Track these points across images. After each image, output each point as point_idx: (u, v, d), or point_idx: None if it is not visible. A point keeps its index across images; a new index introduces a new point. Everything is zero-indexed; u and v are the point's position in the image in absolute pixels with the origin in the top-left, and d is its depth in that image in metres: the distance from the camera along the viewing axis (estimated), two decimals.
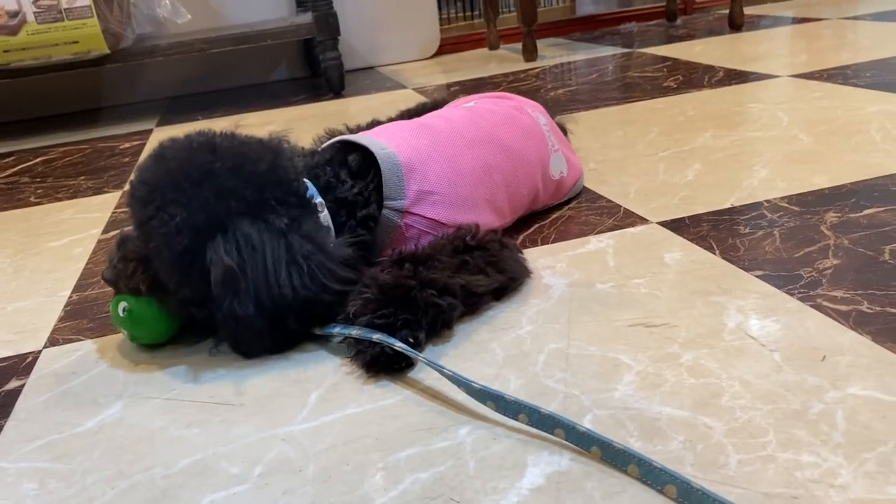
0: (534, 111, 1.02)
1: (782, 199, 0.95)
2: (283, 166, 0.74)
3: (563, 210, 1.01)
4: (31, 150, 1.87)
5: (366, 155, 0.82)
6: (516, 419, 0.56)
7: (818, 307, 0.68)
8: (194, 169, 0.70)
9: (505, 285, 0.77)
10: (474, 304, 0.74)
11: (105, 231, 1.16)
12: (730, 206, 0.95)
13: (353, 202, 0.79)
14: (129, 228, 0.75)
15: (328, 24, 2.02)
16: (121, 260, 0.75)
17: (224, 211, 0.69)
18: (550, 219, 0.99)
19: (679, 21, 2.71)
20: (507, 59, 2.36)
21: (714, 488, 0.48)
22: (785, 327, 0.66)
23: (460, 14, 3.11)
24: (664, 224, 0.92)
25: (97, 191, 1.41)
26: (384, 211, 0.80)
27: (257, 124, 1.84)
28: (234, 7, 2.34)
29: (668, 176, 1.10)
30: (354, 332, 0.67)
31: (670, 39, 2.35)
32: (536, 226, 0.97)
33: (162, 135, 1.84)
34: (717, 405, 0.57)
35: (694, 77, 1.76)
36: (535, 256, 0.86)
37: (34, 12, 1.75)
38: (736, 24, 2.33)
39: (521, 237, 0.93)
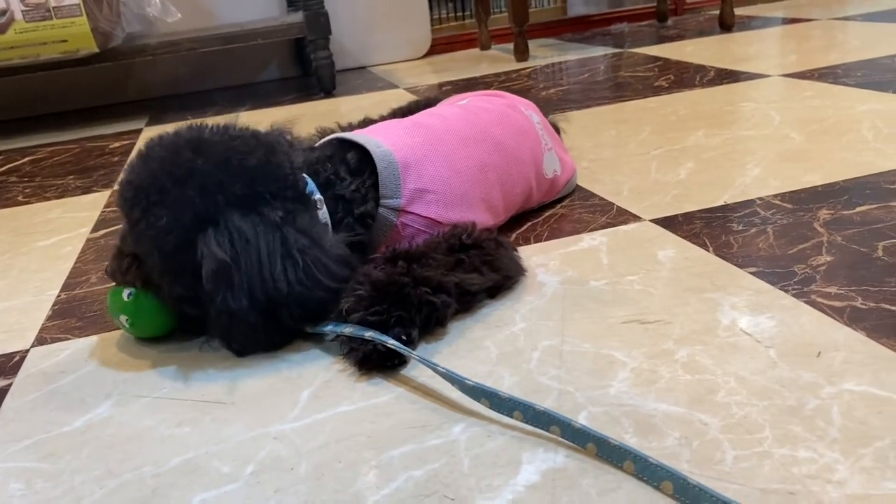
0: (527, 109, 1.01)
1: (775, 196, 0.95)
2: (277, 161, 0.73)
3: (555, 208, 1.01)
4: (19, 149, 1.85)
5: (363, 153, 0.81)
6: (511, 416, 0.56)
7: (812, 303, 0.68)
8: (178, 167, 0.69)
9: (499, 284, 0.77)
10: (468, 302, 0.73)
11: (94, 230, 1.15)
12: (723, 203, 0.95)
13: (351, 199, 0.79)
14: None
15: (319, 24, 2.01)
16: (118, 255, 0.75)
17: (212, 207, 0.68)
18: (543, 217, 0.98)
19: (670, 21, 2.71)
20: (499, 60, 2.35)
21: (710, 484, 0.47)
22: (780, 324, 0.66)
23: (451, 14, 3.10)
24: (657, 222, 0.92)
25: (86, 190, 1.40)
26: (380, 209, 0.79)
27: (248, 124, 1.83)
28: (224, 6, 2.33)
29: (661, 174, 1.10)
30: (347, 330, 0.66)
31: (661, 40, 2.35)
32: (529, 223, 0.96)
33: (151, 134, 1.83)
34: (713, 401, 0.56)
35: (685, 77, 1.76)
36: (528, 254, 0.85)
37: (22, 10, 1.73)
38: (726, 24, 2.33)
39: (514, 235, 0.93)
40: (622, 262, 0.82)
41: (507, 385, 0.61)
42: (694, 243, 0.84)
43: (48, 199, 1.37)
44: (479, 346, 0.68)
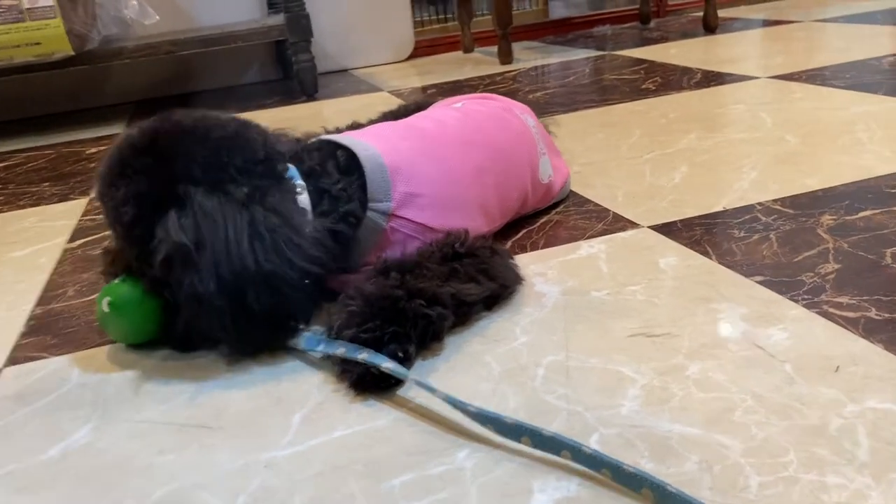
0: (522, 113, 0.99)
1: (775, 201, 0.93)
2: (248, 135, 0.71)
3: (551, 214, 0.98)
4: None
5: (351, 155, 0.78)
6: (519, 442, 0.53)
7: (825, 314, 0.66)
8: (141, 139, 0.69)
9: (497, 293, 0.74)
10: (465, 313, 0.70)
11: (71, 240, 1.11)
12: (721, 209, 0.93)
13: (337, 196, 0.75)
14: None
15: (301, 26, 1.98)
16: (105, 252, 0.75)
17: (172, 175, 0.66)
18: (539, 223, 0.95)
19: (652, 23, 2.70)
20: (483, 62, 2.33)
21: None
22: (793, 336, 0.63)
23: (433, 17, 3.08)
24: (655, 228, 0.89)
25: (62, 198, 1.35)
26: (368, 213, 0.76)
27: None
28: (203, 8, 2.28)
29: (655, 178, 1.07)
30: (339, 350, 0.62)
31: (645, 42, 2.34)
32: (525, 230, 0.93)
33: None
34: (731, 421, 0.53)
35: (672, 79, 1.74)
36: (525, 263, 0.82)
37: None
38: (710, 26, 2.32)
39: (509, 242, 0.90)
40: (623, 271, 0.79)
41: (511, 405, 0.58)
42: (695, 251, 0.82)
43: (22, 207, 1.32)
44: (479, 361, 0.65)
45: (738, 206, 0.93)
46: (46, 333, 0.81)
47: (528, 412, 0.57)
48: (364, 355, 0.60)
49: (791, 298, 0.69)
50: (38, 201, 1.34)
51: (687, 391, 0.57)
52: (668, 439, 0.52)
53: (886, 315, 0.65)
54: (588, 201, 1.01)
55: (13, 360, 0.76)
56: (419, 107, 1.08)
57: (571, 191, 1.05)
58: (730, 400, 0.56)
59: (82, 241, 1.10)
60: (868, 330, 0.63)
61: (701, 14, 2.65)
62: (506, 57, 2.20)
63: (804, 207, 0.90)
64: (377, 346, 0.62)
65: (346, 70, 2.47)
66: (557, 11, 3.52)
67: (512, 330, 0.69)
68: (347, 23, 2.43)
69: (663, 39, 2.35)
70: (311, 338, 0.67)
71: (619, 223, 0.92)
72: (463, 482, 0.50)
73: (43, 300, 0.90)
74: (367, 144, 0.79)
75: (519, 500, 0.48)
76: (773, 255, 0.78)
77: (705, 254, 0.81)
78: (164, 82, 2.34)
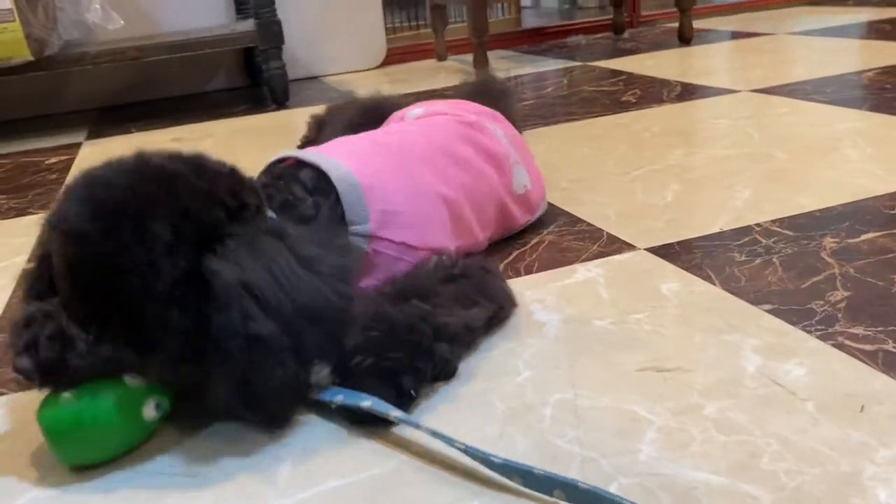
0: (493, 122, 0.95)
1: (773, 222, 0.90)
2: (241, 174, 0.63)
3: (542, 234, 0.94)
4: None
5: (320, 174, 0.73)
6: (552, 496, 0.48)
7: (841, 346, 0.63)
8: (157, 174, 0.57)
9: (496, 314, 0.71)
10: (472, 341, 0.67)
11: (31, 259, 1.03)
12: (719, 230, 0.90)
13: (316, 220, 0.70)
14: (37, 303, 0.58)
15: (272, 33, 1.92)
16: (55, 334, 0.55)
17: (210, 218, 0.57)
18: (530, 244, 0.91)
19: (626, 34, 2.69)
20: (457, 71, 2.29)
21: None
22: (811, 371, 0.60)
23: (405, 24, 3.04)
24: (653, 251, 0.86)
25: (21, 212, 1.28)
26: (349, 238, 0.71)
27: (196, 137, 1.73)
28: (168, 13, 2.21)
29: (647, 197, 1.04)
30: (339, 398, 0.58)
31: (620, 53, 2.32)
32: (517, 252, 0.89)
33: (92, 148, 1.70)
34: (758, 468, 0.50)
35: (652, 91, 1.72)
36: (521, 288, 0.78)
37: None
38: (685, 37, 2.32)
39: (502, 265, 0.86)
40: (624, 298, 0.75)
41: (521, 450, 0.54)
42: (697, 276, 0.79)
43: None
44: (483, 400, 0.61)
45: (735, 227, 0.90)
46: (6, 366, 0.74)
47: (539, 458, 0.53)
48: (368, 402, 0.56)
49: (804, 329, 0.66)
50: None
51: (707, 434, 0.54)
52: (693, 489, 0.49)
53: None
54: (579, 220, 0.98)
55: None
56: (377, 105, 1.05)
57: (561, 209, 1.02)
58: (754, 444, 0.52)
59: None
60: (888, 364, 0.60)
61: (673, 25, 2.66)
62: (481, 66, 2.17)
63: (804, 229, 0.87)
64: (394, 373, 0.58)
65: (316, 77, 2.42)
66: (529, 21, 3.51)
67: (514, 363, 0.65)
68: (318, 28, 2.37)
69: (638, 50, 2.34)
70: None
71: (614, 244, 0.89)
72: None
73: (4, 327, 0.83)
74: (338, 163, 0.74)
75: None
76: (779, 282, 0.75)
77: (708, 279, 0.77)
78: (127, 89, 2.26)
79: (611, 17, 2.76)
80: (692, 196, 1.03)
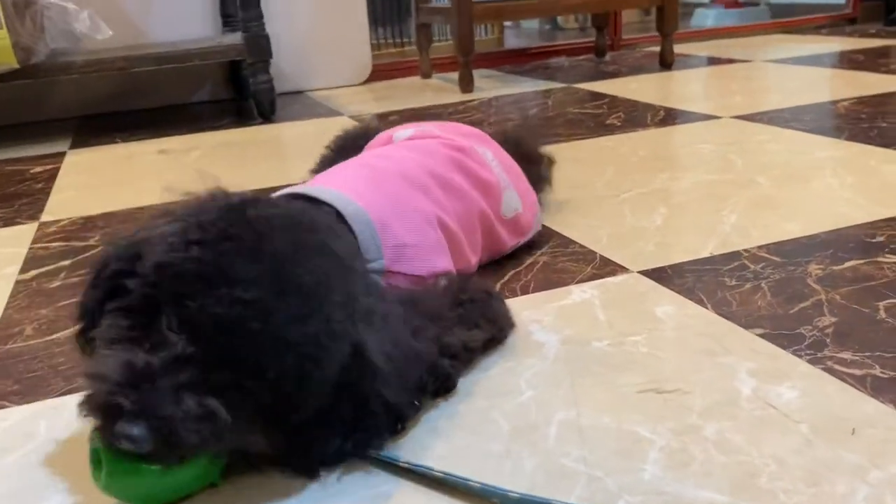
0: (482, 145, 0.96)
1: (760, 248, 0.93)
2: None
3: (535, 255, 0.96)
4: None
5: (336, 213, 0.73)
6: None
7: (830, 371, 0.65)
8: (312, 245, 0.55)
9: (494, 337, 0.73)
10: (471, 360, 0.69)
11: (23, 270, 1.03)
12: (709, 254, 0.92)
13: None
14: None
15: (259, 46, 1.93)
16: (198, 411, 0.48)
17: (355, 290, 0.56)
18: (525, 265, 0.93)
19: (608, 57, 2.74)
20: (443, 90, 2.31)
21: None
22: (803, 395, 0.62)
23: (391, 40, 3.06)
24: (645, 273, 0.88)
25: (8, 222, 1.27)
26: None
27: (183, 149, 1.73)
28: (155, 25, 2.21)
29: (636, 220, 1.07)
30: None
31: (602, 76, 2.37)
32: (512, 272, 0.91)
33: (76, 158, 1.70)
34: (757, 488, 0.52)
35: (636, 115, 1.76)
36: (518, 308, 0.80)
37: None
38: (667, 62, 2.37)
39: (498, 285, 0.88)
40: (621, 320, 0.77)
41: (528, 469, 0.56)
42: (690, 299, 0.81)
43: None
44: (486, 418, 0.62)
45: (724, 251, 0.93)
46: (6, 378, 0.74)
47: (546, 476, 0.55)
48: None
49: (794, 353, 0.69)
50: None
51: (707, 454, 0.56)
52: None
53: (891, 373, 0.64)
54: (572, 242, 1.00)
55: None
56: (366, 132, 1.07)
57: (554, 230, 1.04)
58: (752, 464, 0.54)
59: (37, 271, 1.03)
60: (876, 389, 0.62)
61: (653, 48, 2.71)
62: (467, 85, 2.19)
63: (790, 255, 0.90)
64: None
65: (301, 91, 2.43)
66: (511, 40, 3.56)
67: (516, 383, 0.67)
68: (304, 43, 2.39)
69: (620, 74, 2.38)
70: None
71: (607, 267, 0.91)
72: None
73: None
74: (349, 200, 0.74)
75: None
76: (769, 307, 0.78)
77: (700, 303, 0.80)
78: (111, 98, 2.25)
79: (591, 39, 2.81)
80: (680, 220, 1.05)
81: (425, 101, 2.14)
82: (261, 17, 1.91)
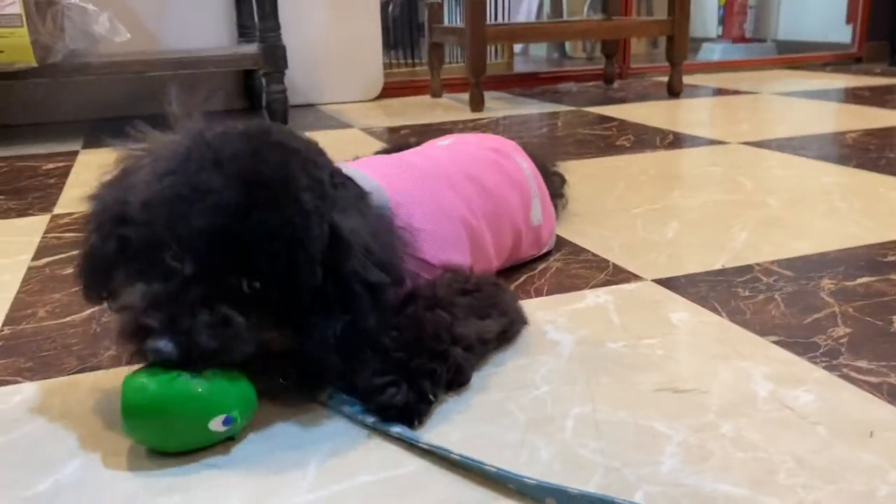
0: (515, 153, 0.98)
1: (772, 262, 0.93)
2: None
3: (549, 262, 0.96)
4: None
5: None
6: None
7: (846, 377, 0.66)
8: (283, 149, 0.60)
9: (507, 328, 0.73)
10: (485, 351, 0.69)
11: (36, 258, 1.04)
12: (721, 266, 0.93)
13: None
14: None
15: (275, 56, 1.95)
16: (215, 321, 0.54)
17: (327, 185, 0.61)
18: (538, 269, 0.94)
19: (616, 84, 2.77)
20: (453, 108, 2.33)
21: None
22: (819, 398, 0.62)
23: (402, 60, 3.09)
24: (659, 282, 0.89)
25: (21, 213, 1.27)
26: None
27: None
28: (171, 32, 2.23)
29: (647, 233, 1.07)
30: (346, 409, 0.60)
31: (611, 101, 2.39)
32: (526, 276, 0.92)
33: (88, 157, 1.70)
34: (776, 483, 0.52)
35: (645, 138, 1.77)
36: (532, 308, 0.80)
37: None
38: (675, 90, 2.39)
39: (512, 286, 0.88)
40: (635, 324, 0.78)
41: (544, 457, 0.55)
42: (704, 307, 0.81)
43: None
44: (502, 410, 0.62)
45: (736, 265, 0.93)
46: (19, 356, 0.74)
47: (563, 465, 0.54)
48: (372, 420, 0.59)
49: (810, 360, 0.69)
50: None
51: (725, 450, 0.56)
52: (715, 500, 0.50)
53: None
54: (584, 250, 1.00)
55: None
56: (402, 148, 1.07)
57: (566, 239, 1.04)
58: (770, 461, 0.54)
59: (49, 259, 1.03)
60: (893, 395, 0.62)
61: (660, 78, 2.74)
62: (477, 105, 2.21)
63: (802, 270, 0.91)
64: (413, 375, 0.60)
65: (313, 105, 2.45)
66: (519, 67, 3.59)
67: (532, 378, 0.67)
68: (318, 57, 2.41)
69: (629, 100, 2.40)
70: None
71: (621, 274, 0.91)
72: None
73: (11, 320, 0.83)
74: (370, 178, 0.76)
75: None
76: (783, 316, 0.78)
77: (715, 311, 0.80)
78: (125, 103, 2.26)
79: (600, 66, 2.84)
80: (692, 235, 1.06)
81: (436, 117, 2.15)
82: (278, 27, 1.93)
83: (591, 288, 0.87)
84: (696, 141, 1.73)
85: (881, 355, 0.69)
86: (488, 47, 3.05)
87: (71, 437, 0.60)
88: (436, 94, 2.57)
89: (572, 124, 2.00)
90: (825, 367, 0.67)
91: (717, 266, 0.93)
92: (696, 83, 2.71)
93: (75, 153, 1.76)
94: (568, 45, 3.80)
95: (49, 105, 2.20)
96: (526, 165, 0.98)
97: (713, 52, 3.61)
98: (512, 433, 0.59)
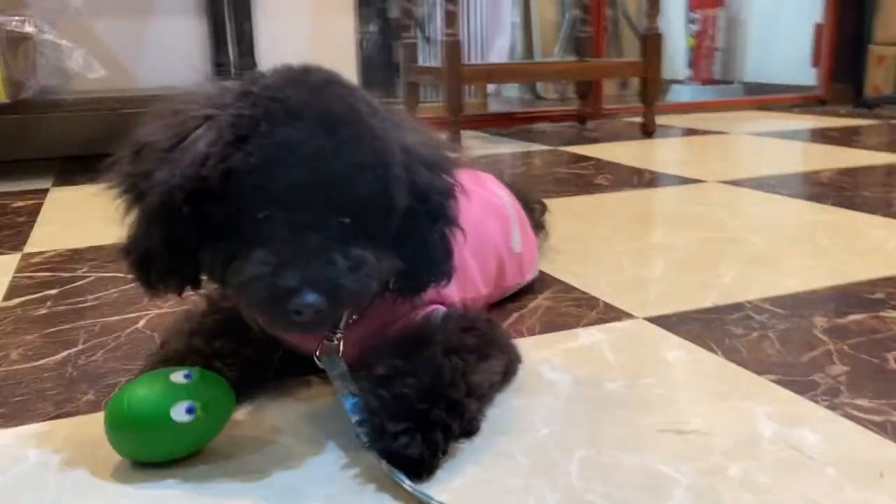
0: (491, 183, 0.97)
1: (763, 300, 0.93)
2: None
3: (538, 300, 0.95)
4: None
5: None
6: None
7: (849, 416, 0.65)
8: (350, 92, 0.61)
9: (507, 367, 0.71)
10: (493, 397, 0.67)
11: (7, 298, 1.00)
12: (712, 304, 0.92)
13: None
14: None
15: None
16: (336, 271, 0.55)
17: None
18: (528, 307, 0.92)
19: (590, 124, 2.79)
20: None
21: None
22: (826, 439, 0.61)
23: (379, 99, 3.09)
24: (651, 320, 0.88)
25: None
26: None
27: None
28: (146, 69, 2.21)
29: (635, 271, 1.07)
30: (363, 436, 0.58)
31: (586, 140, 2.41)
32: (516, 314, 0.90)
33: (59, 195, 1.66)
34: None
35: (623, 177, 1.78)
36: (526, 348, 0.78)
37: None
38: (649, 130, 2.42)
39: (503, 324, 0.86)
40: (631, 363, 0.76)
41: (550, 503, 0.53)
42: (699, 345, 0.80)
43: None
44: (504, 453, 0.60)
45: (727, 302, 0.93)
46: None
47: None
48: (385, 466, 0.55)
49: (811, 399, 0.68)
50: None
51: (735, 493, 0.54)
52: None
53: None
54: (574, 288, 0.99)
55: None
56: None
57: (554, 277, 1.03)
58: None
59: (21, 299, 0.99)
60: None
61: (632, 119, 2.78)
62: (455, 143, 2.22)
63: (793, 308, 0.90)
64: (428, 427, 0.57)
65: None
66: (493, 107, 3.62)
67: (532, 420, 0.65)
68: None
69: (603, 139, 2.43)
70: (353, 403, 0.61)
71: (612, 313, 0.90)
72: None
73: None
74: None
75: None
76: (778, 354, 0.77)
77: (710, 349, 0.79)
78: (97, 140, 2.22)
79: (571, 107, 2.87)
80: (679, 273, 1.05)
81: None
82: (255, 64, 1.92)
83: (583, 326, 0.86)
84: (672, 179, 1.74)
85: (881, 393, 0.69)
86: (464, 87, 3.08)
87: (49, 490, 0.56)
88: None
89: (549, 163, 2.01)
90: (827, 406, 0.66)
91: (708, 304, 0.92)
92: (667, 123, 2.74)
93: (45, 191, 1.72)
94: (540, 85, 3.84)
95: (20, 142, 2.15)
96: (503, 194, 0.97)
97: (683, 93, 3.68)
98: (515, 478, 0.57)
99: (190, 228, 0.56)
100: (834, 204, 1.43)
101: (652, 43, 2.37)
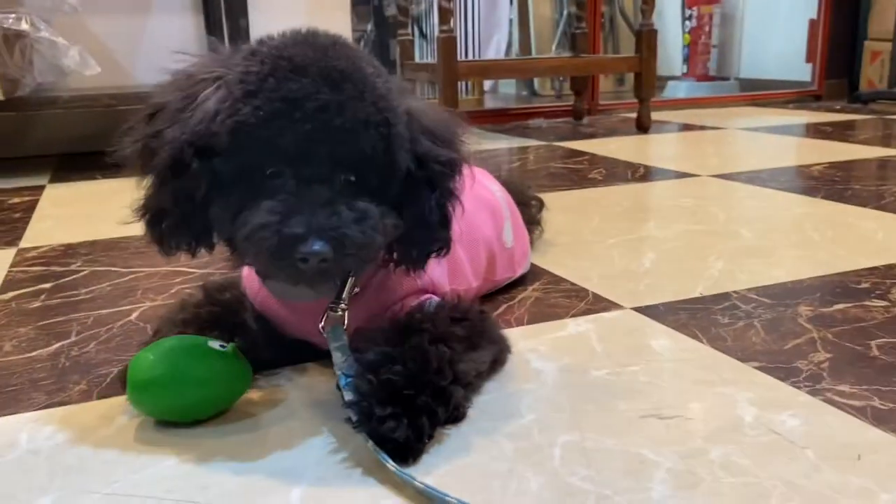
0: (484, 178, 0.98)
1: (749, 290, 0.94)
2: None
3: (528, 291, 0.96)
4: None
5: None
6: None
7: (830, 402, 0.66)
8: (355, 53, 0.63)
9: (496, 357, 0.72)
10: (480, 385, 0.68)
11: (2, 291, 1.01)
12: (699, 294, 0.93)
13: None
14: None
15: None
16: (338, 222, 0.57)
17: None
18: (518, 299, 0.93)
19: (585, 120, 2.80)
20: None
21: None
22: (806, 423, 0.62)
23: None
24: (639, 310, 0.89)
25: None
26: None
27: None
28: (142, 66, 2.22)
29: (625, 263, 1.08)
30: (350, 413, 0.58)
31: (581, 136, 2.42)
32: (505, 305, 0.91)
33: (55, 192, 1.67)
34: None
35: (617, 171, 1.79)
36: (514, 337, 0.79)
37: None
38: (643, 126, 2.43)
39: (493, 315, 0.87)
40: (618, 351, 0.77)
41: (534, 487, 0.54)
42: (685, 334, 0.81)
43: None
44: (489, 439, 0.61)
45: (714, 293, 0.94)
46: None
47: (553, 494, 0.53)
48: (371, 445, 0.56)
49: (793, 385, 0.69)
50: None
51: (714, 475, 0.55)
52: None
53: (891, 405, 0.65)
54: (563, 280, 1.00)
55: None
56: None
57: (544, 269, 1.04)
58: (761, 486, 0.54)
59: (15, 292, 1.00)
60: (878, 418, 0.62)
61: (628, 115, 2.79)
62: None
63: (779, 297, 0.91)
64: (415, 413, 0.58)
65: None
66: (489, 103, 3.63)
67: (517, 407, 0.66)
68: None
69: (598, 135, 2.44)
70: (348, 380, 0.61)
71: (600, 303, 0.91)
72: None
73: None
74: None
75: None
76: (763, 342, 0.78)
77: (695, 338, 0.80)
78: (92, 137, 2.23)
79: (567, 104, 2.88)
80: (668, 264, 1.06)
81: None
82: None
83: (571, 317, 0.87)
84: (666, 174, 1.75)
85: (863, 379, 0.70)
86: (460, 83, 3.08)
87: (40, 475, 0.57)
88: None
89: (544, 158, 2.02)
90: (809, 392, 0.67)
91: (696, 294, 0.93)
92: (663, 119, 2.75)
93: (42, 187, 1.73)
94: (537, 82, 3.85)
95: (16, 139, 2.16)
96: (496, 189, 0.98)
97: (678, 89, 3.69)
98: (499, 463, 0.58)
99: (200, 185, 0.58)
100: (825, 197, 1.44)
101: (647, 39, 2.37)
